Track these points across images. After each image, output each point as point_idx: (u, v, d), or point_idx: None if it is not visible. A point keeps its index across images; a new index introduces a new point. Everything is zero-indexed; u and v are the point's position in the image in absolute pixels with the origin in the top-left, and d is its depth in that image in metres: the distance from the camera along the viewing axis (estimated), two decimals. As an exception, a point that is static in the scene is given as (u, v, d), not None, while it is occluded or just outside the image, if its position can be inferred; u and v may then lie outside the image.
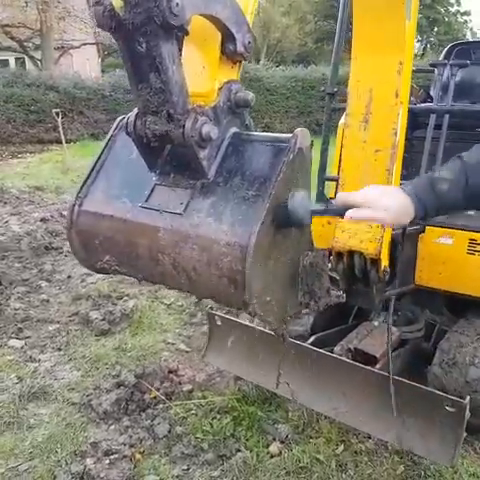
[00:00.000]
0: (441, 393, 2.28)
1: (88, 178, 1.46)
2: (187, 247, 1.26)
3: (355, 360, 2.68)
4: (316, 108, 15.94)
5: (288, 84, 16.95)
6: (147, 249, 1.33)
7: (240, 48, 1.32)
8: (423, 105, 3.59)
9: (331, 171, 3.41)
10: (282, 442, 2.80)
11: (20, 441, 2.79)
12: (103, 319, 4.06)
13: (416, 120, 3.54)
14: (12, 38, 18.89)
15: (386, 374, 2.35)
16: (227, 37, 1.30)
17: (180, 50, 1.37)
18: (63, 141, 11.20)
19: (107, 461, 2.60)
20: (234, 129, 1.38)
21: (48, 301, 4.58)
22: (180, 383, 3.30)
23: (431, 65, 3.52)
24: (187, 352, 3.72)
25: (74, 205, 1.43)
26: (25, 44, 20.16)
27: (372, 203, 1.28)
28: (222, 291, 1.24)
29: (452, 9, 35.40)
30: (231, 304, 1.28)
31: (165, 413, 2.98)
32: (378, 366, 2.64)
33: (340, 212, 1.34)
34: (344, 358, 2.55)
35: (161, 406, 3.04)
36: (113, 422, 2.91)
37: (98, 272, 1.48)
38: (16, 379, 3.31)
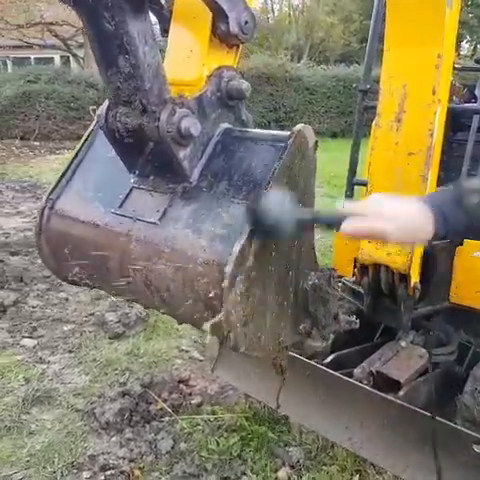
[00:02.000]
0: (469, 431, 2.00)
1: (62, 177, 1.29)
2: (160, 263, 1.06)
3: (377, 384, 2.43)
4: (357, 108, 15.48)
5: (329, 83, 16.55)
6: (118, 262, 1.14)
7: (234, 28, 1.11)
8: (466, 105, 3.27)
9: (362, 174, 3.15)
10: (292, 467, 2.57)
11: (18, 448, 2.68)
12: (118, 321, 3.93)
13: (458, 121, 3.24)
14: (56, 36, 19.21)
15: (409, 406, 2.09)
16: (218, 15, 1.10)
17: (166, 31, 1.18)
18: (99, 138, 11.23)
19: (102, 477, 2.45)
20: (225, 125, 1.17)
21: (67, 300, 4.50)
22: (190, 394, 3.12)
23: (476, 61, 3.20)
24: (201, 361, 3.54)
25: (44, 207, 1.26)
26: (69, 42, 20.48)
27: (373, 212, 1.00)
28: (199, 317, 1.04)
29: (506, 8, 33.79)
30: (210, 333, 1.07)
31: (170, 427, 2.81)
32: (401, 393, 2.37)
33: (334, 221, 1.06)
34: (361, 384, 2.30)
35: (167, 419, 2.87)
36: (115, 433, 2.76)
37: (71, 284, 1.31)
38: (23, 381, 3.21)
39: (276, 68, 16.25)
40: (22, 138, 14.15)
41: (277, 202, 0.94)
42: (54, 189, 1.27)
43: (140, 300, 1.18)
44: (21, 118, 14.26)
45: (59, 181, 1.28)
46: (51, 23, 17.52)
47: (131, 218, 1.13)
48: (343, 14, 32.00)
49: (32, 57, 22.12)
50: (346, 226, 0.99)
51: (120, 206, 1.16)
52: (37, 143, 14.05)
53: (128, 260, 1.12)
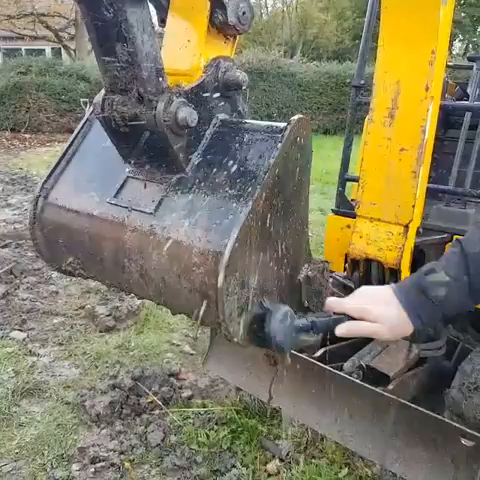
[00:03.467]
0: (457, 424, 2.02)
1: (57, 167, 1.28)
2: (155, 253, 1.06)
3: (367, 378, 2.45)
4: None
5: (321, 80, 16.54)
6: (112, 253, 1.14)
7: (232, 19, 1.11)
8: (458, 102, 3.29)
9: (355, 171, 3.17)
10: (282, 460, 2.59)
11: (8, 440, 2.67)
12: (109, 315, 3.92)
13: (449, 118, 3.26)
14: (47, 27, 19.00)
15: (398, 399, 2.11)
16: (216, 5, 1.10)
17: (164, 20, 1.18)
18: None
19: (92, 469, 2.45)
20: (222, 115, 1.17)
21: (57, 293, 4.47)
22: (180, 388, 3.12)
23: (469, 59, 3.22)
24: (192, 355, 3.55)
25: (38, 197, 1.25)
26: (60, 34, 20.28)
27: (366, 314, 1.12)
28: (194, 308, 1.04)
29: (497, 8, 34.00)
30: (205, 324, 1.08)
31: (160, 420, 2.81)
32: (391, 387, 2.39)
33: (330, 326, 1.14)
34: (351, 377, 2.31)
35: (157, 412, 2.87)
36: (105, 426, 2.76)
37: (64, 274, 1.30)
38: (13, 373, 3.20)
39: (269, 64, 16.22)
40: (12, 130, 14.01)
41: (280, 322, 1.04)
42: (48, 178, 1.26)
43: (135, 291, 1.18)
44: (12, 110, 14.10)
45: (53, 170, 1.27)
46: (43, 14, 17.33)
47: (126, 208, 1.12)
48: (336, 11, 32.00)
49: (23, 48, 21.86)
50: (341, 330, 1.13)
51: (115, 196, 1.15)
52: (28, 135, 13.92)
53: (123, 250, 1.11)
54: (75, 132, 1.30)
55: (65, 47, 21.30)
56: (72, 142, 1.30)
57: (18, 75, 14.31)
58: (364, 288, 1.23)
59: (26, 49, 21.65)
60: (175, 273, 1.04)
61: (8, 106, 14.07)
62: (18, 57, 16.20)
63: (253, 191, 1.01)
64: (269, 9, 32.60)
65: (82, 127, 1.30)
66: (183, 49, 1.14)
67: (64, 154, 1.29)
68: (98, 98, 1.10)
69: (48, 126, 14.33)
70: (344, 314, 1.16)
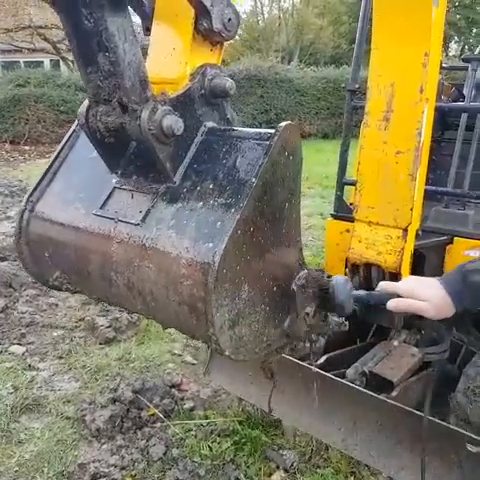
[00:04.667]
0: (463, 431, 1.98)
1: (43, 179, 1.25)
2: (143, 265, 1.03)
3: (370, 385, 2.41)
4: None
5: (319, 85, 16.59)
6: (99, 266, 1.11)
7: (217, 25, 1.09)
8: (453, 104, 3.27)
9: (354, 175, 3.14)
10: (286, 471, 2.54)
11: (7, 458, 2.63)
12: (109, 326, 3.89)
13: (446, 120, 3.24)
14: (45, 40, 19.09)
15: (402, 406, 2.07)
16: (200, 12, 1.07)
17: (149, 29, 1.16)
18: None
19: (93, 486, 2.41)
20: (210, 123, 1.15)
21: (57, 305, 4.44)
22: (182, 399, 3.08)
23: (464, 60, 3.20)
24: (193, 364, 3.51)
25: (24, 210, 1.23)
26: (58, 46, 20.37)
27: (415, 294, 1.31)
28: (183, 321, 1.01)
29: (493, 9, 34.04)
30: (196, 337, 1.05)
31: (162, 433, 2.77)
32: (394, 393, 2.35)
33: (383, 300, 1.35)
34: (354, 385, 2.27)
35: (159, 425, 2.83)
36: (106, 441, 2.72)
37: (52, 289, 1.28)
38: (12, 389, 3.16)
39: (266, 70, 16.27)
40: (12, 142, 14.05)
41: (343, 288, 1.22)
42: (34, 191, 1.24)
43: (123, 305, 1.15)
44: (11, 122, 14.15)
45: (39, 183, 1.24)
46: (40, 27, 17.42)
47: (113, 219, 1.10)
48: (332, 16, 32.13)
49: (21, 61, 22.00)
50: (392, 303, 1.32)
51: (101, 207, 1.13)
52: (27, 147, 13.95)
53: (109, 263, 1.09)
54: (61, 144, 1.28)
55: (63, 59, 21.38)
56: (58, 154, 1.27)
57: (17, 87, 14.40)
58: (413, 276, 1.48)
59: (25, 61, 21.78)
60: (163, 285, 1.01)
61: (7, 118, 14.13)
62: (17, 70, 16.30)
63: (242, 199, 0.98)
64: (265, 16, 32.74)
65: (68, 138, 1.28)
66: (168, 57, 1.12)
67: (50, 166, 1.26)
68: (82, 109, 1.08)
69: (47, 137, 14.37)
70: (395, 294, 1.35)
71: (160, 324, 1.12)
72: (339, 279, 1.24)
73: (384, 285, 1.40)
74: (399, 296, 1.34)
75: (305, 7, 31.87)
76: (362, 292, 1.38)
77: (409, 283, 1.38)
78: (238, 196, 0.99)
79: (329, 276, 3.17)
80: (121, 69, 0.96)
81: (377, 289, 1.42)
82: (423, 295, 1.31)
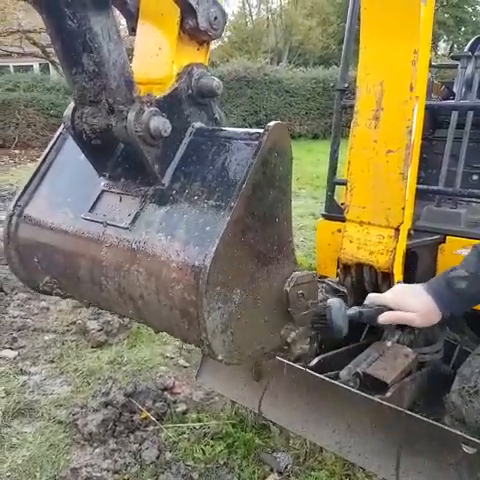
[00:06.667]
0: (458, 432, 1.97)
1: (30, 183, 1.23)
2: (133, 270, 1.01)
3: (364, 386, 2.39)
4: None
5: (308, 85, 16.63)
6: (89, 270, 1.09)
7: (203, 24, 1.07)
8: (444, 102, 3.28)
9: (343, 175, 3.14)
10: (280, 473, 2.53)
11: (-1, 463, 2.59)
12: (101, 329, 3.86)
13: (436, 118, 3.25)
14: (34, 44, 18.94)
15: (396, 407, 2.06)
16: (186, 10, 1.06)
17: (134, 29, 1.14)
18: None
19: (86, 491, 2.38)
20: (198, 124, 1.13)
21: (48, 309, 4.40)
22: (175, 402, 3.06)
23: (453, 58, 3.21)
24: (185, 367, 3.48)
25: (12, 215, 1.21)
26: (47, 49, 20.23)
27: (401, 306, 1.36)
28: (175, 326, 1.00)
29: (480, 8, 34.33)
30: (188, 341, 1.03)
31: (155, 436, 2.74)
32: (388, 394, 2.34)
33: (373, 316, 1.39)
34: (348, 386, 2.26)
35: (151, 428, 2.81)
36: (98, 445, 2.68)
37: (42, 294, 1.25)
38: (3, 393, 3.12)
39: (256, 71, 16.29)
40: (2, 146, 13.96)
41: (339, 313, 1.26)
42: (22, 196, 1.22)
43: (114, 309, 1.13)
44: (1, 126, 14.08)
45: (27, 187, 1.22)
46: (29, 31, 17.27)
47: (101, 223, 1.08)
48: (321, 17, 32.23)
49: (11, 65, 21.84)
50: (383, 318, 1.37)
51: (90, 211, 1.11)
52: (17, 151, 13.86)
53: (99, 267, 1.07)
54: (48, 147, 1.26)
55: (53, 62, 21.19)
56: (45, 157, 1.25)
57: (6, 92, 14.32)
58: (400, 285, 1.53)
59: (14, 66, 21.63)
60: (154, 290, 0.99)
61: (-3, 123, 14.04)
62: (6, 74, 16.18)
63: (232, 201, 0.97)
64: (254, 17, 32.78)
65: (55, 141, 1.26)
66: (154, 57, 1.10)
67: (38, 170, 1.24)
68: (67, 112, 1.06)
69: (37, 141, 14.28)
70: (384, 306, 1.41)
71: (152, 328, 1.10)
72: (335, 304, 1.27)
73: (373, 298, 1.44)
74: (389, 308, 1.39)
75: (293, 8, 31.95)
76: (353, 310, 1.40)
77: (396, 294, 1.43)
78: (228, 197, 0.98)
79: (321, 277, 3.14)
80: (106, 69, 0.94)
81: (366, 302, 1.46)
82: (410, 306, 1.36)
